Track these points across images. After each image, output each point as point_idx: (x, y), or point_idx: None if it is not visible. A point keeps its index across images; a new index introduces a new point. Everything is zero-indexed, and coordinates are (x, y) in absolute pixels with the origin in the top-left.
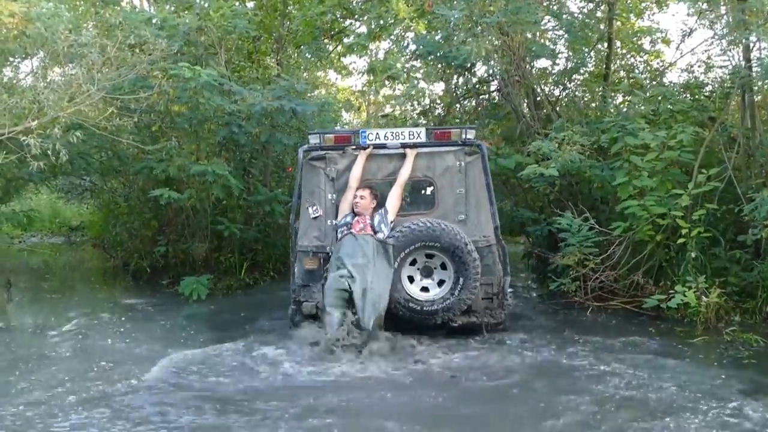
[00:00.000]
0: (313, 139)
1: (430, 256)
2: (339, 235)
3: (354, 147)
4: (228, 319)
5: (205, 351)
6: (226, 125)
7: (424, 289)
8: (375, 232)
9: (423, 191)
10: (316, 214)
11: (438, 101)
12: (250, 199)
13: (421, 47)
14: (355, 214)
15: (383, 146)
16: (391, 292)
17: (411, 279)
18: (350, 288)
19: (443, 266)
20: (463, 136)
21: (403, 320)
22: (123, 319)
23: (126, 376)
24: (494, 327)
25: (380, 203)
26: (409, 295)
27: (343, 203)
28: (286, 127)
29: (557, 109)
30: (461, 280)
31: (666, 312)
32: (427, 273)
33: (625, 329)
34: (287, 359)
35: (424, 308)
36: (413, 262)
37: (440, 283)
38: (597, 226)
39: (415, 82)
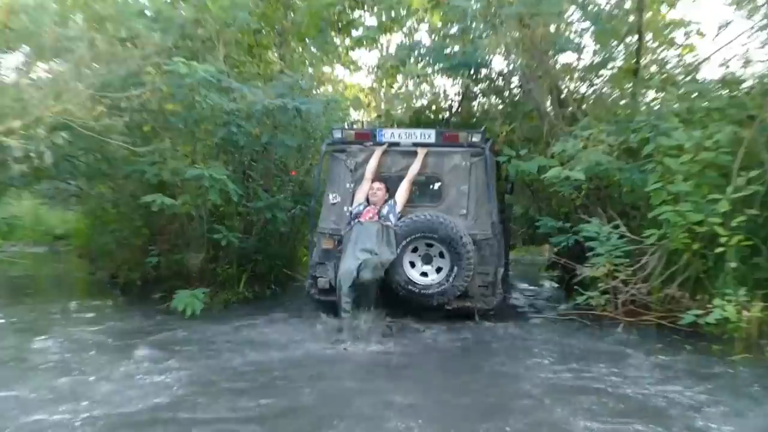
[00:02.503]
0: (337, 134)
1: (430, 245)
2: (351, 223)
3: (372, 143)
4: (228, 338)
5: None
6: (224, 125)
7: (424, 274)
8: (381, 219)
9: (431, 186)
10: (335, 201)
11: (453, 99)
12: (250, 206)
13: (432, 55)
14: (368, 203)
15: (397, 144)
16: (393, 274)
17: (412, 264)
18: (358, 273)
19: (441, 255)
20: (470, 138)
21: (403, 300)
22: (110, 342)
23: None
24: (486, 312)
25: (391, 195)
26: (408, 278)
27: (359, 192)
28: (290, 127)
29: (583, 107)
30: (455, 268)
31: (704, 328)
32: (427, 260)
33: (657, 347)
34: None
35: (422, 291)
36: (415, 250)
37: (438, 269)
38: (628, 234)
39: (430, 78)
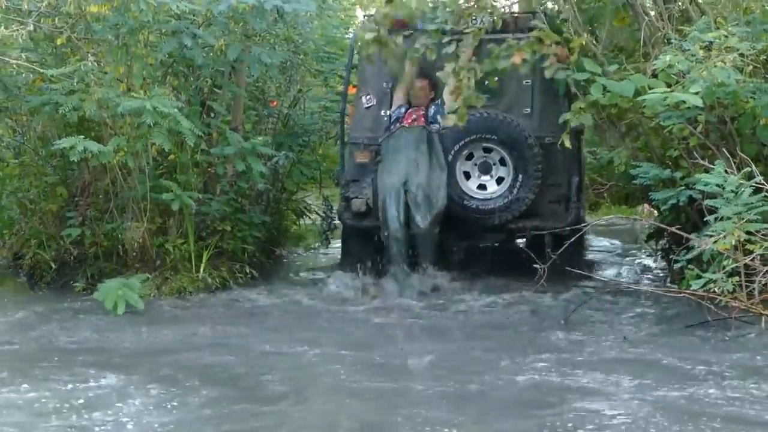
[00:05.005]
0: None
1: (488, 150)
2: (391, 128)
3: (412, 32)
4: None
5: None
6: (173, 35)
7: (481, 186)
8: (429, 124)
9: (486, 81)
10: (370, 104)
11: None
12: (213, 152)
13: None
14: (409, 105)
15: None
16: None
17: (467, 175)
18: (406, 187)
19: (502, 162)
20: (532, 23)
21: (457, 221)
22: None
23: None
24: (560, 231)
25: (437, 94)
26: (463, 192)
27: (398, 92)
28: (269, 37)
29: (700, 0)
30: (520, 177)
31: None
32: (484, 169)
33: None
34: None
35: (480, 207)
36: (470, 157)
37: (499, 180)
38: (767, 186)
39: None
